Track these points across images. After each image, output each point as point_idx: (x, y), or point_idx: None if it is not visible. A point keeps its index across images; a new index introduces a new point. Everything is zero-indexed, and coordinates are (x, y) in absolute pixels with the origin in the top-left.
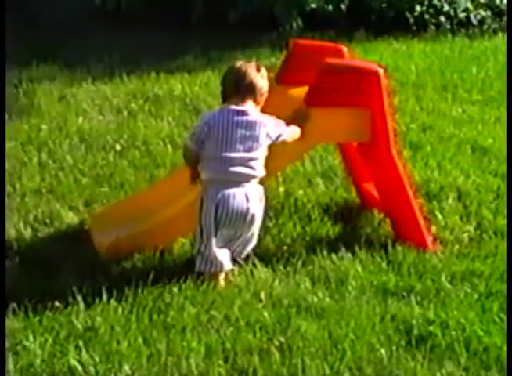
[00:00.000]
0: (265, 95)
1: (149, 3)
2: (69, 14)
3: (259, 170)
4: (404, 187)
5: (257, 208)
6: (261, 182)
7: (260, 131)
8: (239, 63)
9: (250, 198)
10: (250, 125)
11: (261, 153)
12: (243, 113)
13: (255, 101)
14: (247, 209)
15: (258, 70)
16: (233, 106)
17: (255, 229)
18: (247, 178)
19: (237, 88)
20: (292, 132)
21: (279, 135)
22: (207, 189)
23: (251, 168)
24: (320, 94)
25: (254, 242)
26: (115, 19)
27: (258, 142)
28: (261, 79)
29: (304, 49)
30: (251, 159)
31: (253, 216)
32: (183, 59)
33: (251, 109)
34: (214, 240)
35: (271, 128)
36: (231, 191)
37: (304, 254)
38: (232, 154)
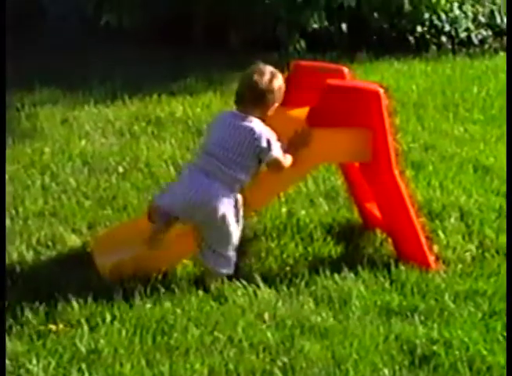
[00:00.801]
0: (277, 102)
1: (150, 24)
2: (71, 36)
3: (239, 173)
4: (406, 207)
5: (224, 207)
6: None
7: (253, 139)
8: (255, 68)
9: (217, 192)
10: (245, 131)
11: (245, 160)
12: (244, 118)
13: (263, 109)
14: (209, 201)
15: (273, 77)
16: (237, 111)
17: (221, 229)
18: (223, 174)
19: (246, 94)
20: (286, 159)
21: (271, 152)
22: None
23: (231, 168)
24: (321, 115)
25: (225, 249)
26: (117, 40)
27: (247, 150)
28: (272, 88)
29: (305, 70)
30: (234, 160)
31: (215, 211)
32: (185, 81)
33: (254, 117)
34: None
35: (264, 142)
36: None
37: (307, 275)
38: (218, 148)
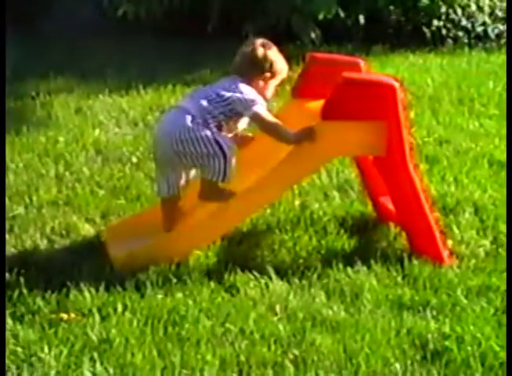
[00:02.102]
0: (278, 75)
1: (165, 15)
2: (87, 25)
3: (199, 111)
4: (420, 201)
5: (177, 136)
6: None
7: (234, 92)
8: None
9: (181, 122)
10: (230, 86)
11: (220, 108)
12: (233, 81)
13: (257, 77)
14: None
15: (265, 46)
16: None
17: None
18: (194, 106)
19: (240, 63)
20: (273, 121)
21: (252, 107)
22: None
23: (194, 103)
24: (336, 107)
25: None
26: (132, 30)
27: (226, 99)
28: (263, 56)
29: (320, 63)
30: (211, 99)
31: (176, 142)
32: (199, 72)
33: (244, 82)
34: None
35: (246, 96)
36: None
37: (320, 268)
38: (197, 92)
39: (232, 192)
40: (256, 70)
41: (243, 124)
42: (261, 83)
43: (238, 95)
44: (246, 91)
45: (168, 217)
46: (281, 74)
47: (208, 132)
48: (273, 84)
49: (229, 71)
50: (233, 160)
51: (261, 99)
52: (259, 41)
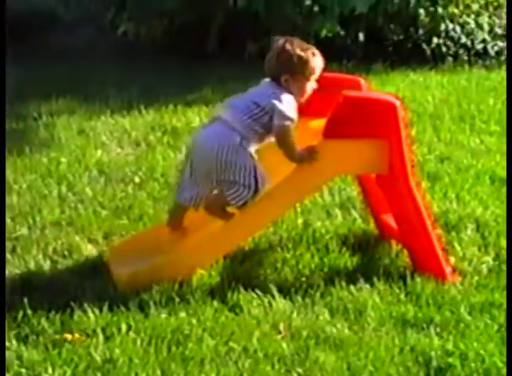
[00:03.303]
0: (308, 70)
1: (167, 35)
2: (87, 45)
3: (244, 128)
4: (422, 218)
5: (224, 153)
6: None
7: (274, 100)
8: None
9: (229, 140)
10: (266, 92)
11: (260, 120)
12: (270, 87)
13: (292, 76)
14: (209, 145)
15: (294, 45)
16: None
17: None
18: (230, 123)
19: (269, 63)
20: (292, 140)
21: (284, 120)
22: None
23: (239, 119)
24: (338, 126)
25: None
26: (133, 50)
27: (263, 108)
28: (296, 53)
29: (321, 81)
30: (245, 111)
31: (220, 160)
32: (200, 92)
33: (279, 86)
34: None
35: (285, 109)
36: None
37: (323, 286)
38: (236, 103)
39: (232, 213)
40: (284, 70)
41: None
42: (295, 82)
43: (278, 105)
44: (285, 100)
45: (175, 217)
46: (313, 68)
47: (250, 161)
48: (310, 86)
49: (265, 73)
50: (258, 194)
51: (295, 114)
52: (289, 39)
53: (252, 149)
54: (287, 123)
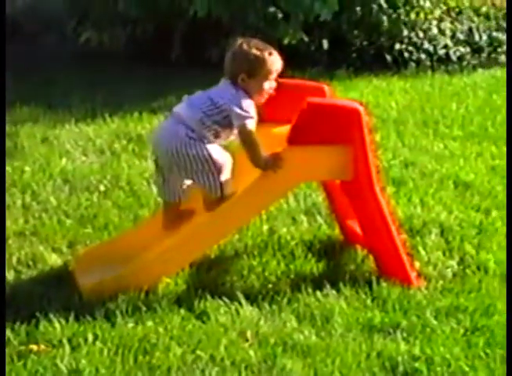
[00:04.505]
0: (270, 75)
1: (130, 43)
2: (49, 53)
3: (195, 122)
4: (387, 224)
5: (174, 147)
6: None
7: (230, 101)
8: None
9: (179, 135)
10: (224, 92)
11: (215, 117)
12: (227, 86)
13: (248, 76)
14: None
15: (251, 46)
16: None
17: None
18: (189, 121)
19: (227, 63)
20: (255, 141)
21: (244, 119)
22: None
23: (190, 112)
24: (302, 133)
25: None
26: (96, 58)
27: (219, 107)
28: (252, 52)
29: (285, 88)
30: (203, 115)
31: (173, 154)
32: (165, 99)
33: (236, 86)
34: None
35: (240, 109)
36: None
37: (289, 292)
38: (194, 99)
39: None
40: (240, 69)
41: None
42: (252, 81)
43: (233, 105)
44: (242, 101)
45: (169, 218)
46: (270, 68)
47: (202, 149)
48: (268, 85)
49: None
50: (226, 176)
51: (253, 112)
52: (247, 40)
53: (208, 142)
54: (247, 121)
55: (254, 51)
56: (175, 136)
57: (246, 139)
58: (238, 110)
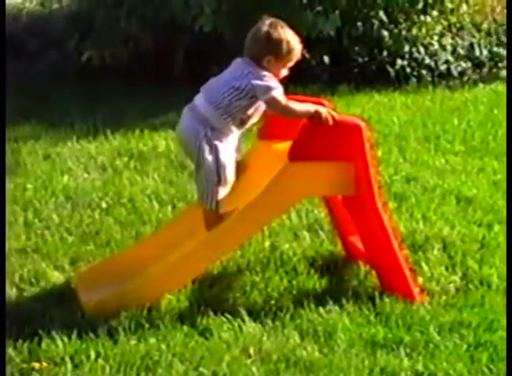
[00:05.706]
0: (293, 56)
1: (132, 60)
2: (51, 71)
3: (226, 115)
4: (389, 239)
5: (201, 154)
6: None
7: (250, 79)
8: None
9: (197, 132)
10: (242, 72)
11: (241, 101)
12: (245, 66)
13: (276, 59)
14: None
15: (277, 26)
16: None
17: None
18: (208, 112)
19: (255, 42)
20: (288, 104)
21: (270, 91)
22: None
23: (218, 106)
24: (304, 149)
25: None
26: (98, 75)
27: (243, 89)
28: (278, 36)
29: None
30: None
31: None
32: (167, 116)
33: (257, 64)
34: None
35: (263, 82)
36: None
37: (292, 308)
38: (212, 89)
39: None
40: (270, 51)
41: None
42: (276, 64)
43: (255, 81)
44: (262, 75)
45: (209, 220)
46: (295, 55)
47: (217, 159)
48: (284, 72)
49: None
50: (225, 192)
51: (276, 83)
52: (271, 20)
53: (226, 137)
54: (273, 93)
55: (289, 37)
56: (196, 137)
57: (279, 108)
58: (262, 84)
